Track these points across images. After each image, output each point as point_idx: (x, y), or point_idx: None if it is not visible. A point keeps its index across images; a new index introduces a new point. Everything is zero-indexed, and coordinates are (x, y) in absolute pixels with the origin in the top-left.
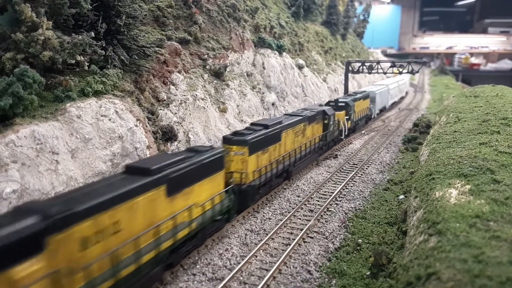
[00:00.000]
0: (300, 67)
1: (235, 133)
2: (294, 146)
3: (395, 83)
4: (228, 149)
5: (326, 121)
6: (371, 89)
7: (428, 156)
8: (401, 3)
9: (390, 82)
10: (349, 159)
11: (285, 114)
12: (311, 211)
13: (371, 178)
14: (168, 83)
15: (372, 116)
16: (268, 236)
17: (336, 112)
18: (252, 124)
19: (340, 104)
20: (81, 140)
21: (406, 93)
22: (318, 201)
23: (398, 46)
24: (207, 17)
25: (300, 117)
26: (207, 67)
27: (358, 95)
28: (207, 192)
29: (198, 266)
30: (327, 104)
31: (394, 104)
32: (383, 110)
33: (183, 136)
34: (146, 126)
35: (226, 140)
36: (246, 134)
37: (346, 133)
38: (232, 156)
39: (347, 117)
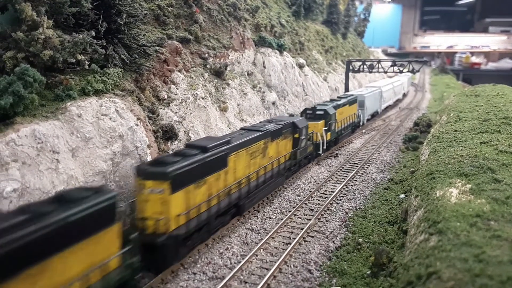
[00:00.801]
0: (300, 66)
1: (155, 162)
2: (249, 171)
3: (389, 84)
4: (141, 185)
5: (296, 135)
6: (360, 93)
7: (428, 155)
8: (402, 2)
9: (383, 83)
10: (350, 158)
11: (241, 129)
12: (312, 210)
13: (371, 177)
14: (169, 82)
15: (361, 123)
16: (268, 235)
17: (313, 122)
18: (187, 145)
19: (318, 112)
20: (82, 139)
21: (404, 94)
22: (318, 200)
23: (398, 45)
24: (208, 16)
25: (259, 133)
26: (208, 66)
27: (342, 100)
28: (78, 266)
29: (198, 265)
30: (303, 112)
31: (389, 107)
32: (375, 115)
33: (184, 135)
34: (147, 125)
35: (139, 171)
36: (169, 163)
37: (325, 147)
38: (147, 195)
39: (326, 127)
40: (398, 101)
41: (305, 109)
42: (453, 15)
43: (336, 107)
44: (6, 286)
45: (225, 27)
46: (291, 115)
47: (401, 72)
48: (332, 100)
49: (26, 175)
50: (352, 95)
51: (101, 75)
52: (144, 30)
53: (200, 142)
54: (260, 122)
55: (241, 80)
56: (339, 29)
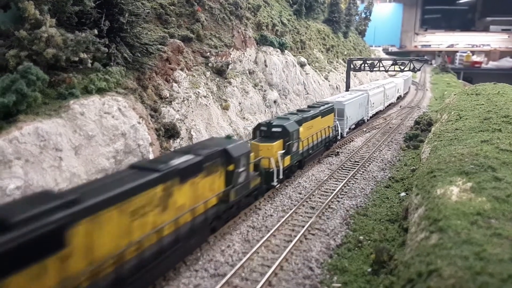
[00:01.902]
0: (302, 65)
1: None
2: (130, 241)
3: (379, 87)
4: None
5: (231, 167)
6: (339, 99)
7: (429, 153)
8: (403, 1)
9: (371, 86)
10: (351, 156)
11: (131, 167)
12: (313, 208)
13: (372, 175)
14: (171, 81)
15: (339, 137)
16: (270, 233)
17: (266, 144)
18: None
19: (274, 129)
20: (85, 137)
21: (400, 97)
22: (319, 198)
23: (399, 44)
24: (210, 14)
25: (154, 175)
26: (210, 64)
27: (313, 111)
28: None
29: (200, 262)
30: (256, 128)
31: (381, 112)
32: (360, 124)
33: (186, 133)
34: (149, 123)
35: None
36: None
37: (281, 177)
38: None
39: (284, 150)
40: (391, 105)
41: (259, 125)
42: (454, 14)
43: (301, 121)
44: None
45: (226, 26)
46: (228, 137)
47: (402, 71)
48: (299, 111)
49: (29, 172)
50: (328, 103)
51: (104, 73)
52: (146, 29)
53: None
54: (173, 151)
55: (242, 78)
56: (340, 28)
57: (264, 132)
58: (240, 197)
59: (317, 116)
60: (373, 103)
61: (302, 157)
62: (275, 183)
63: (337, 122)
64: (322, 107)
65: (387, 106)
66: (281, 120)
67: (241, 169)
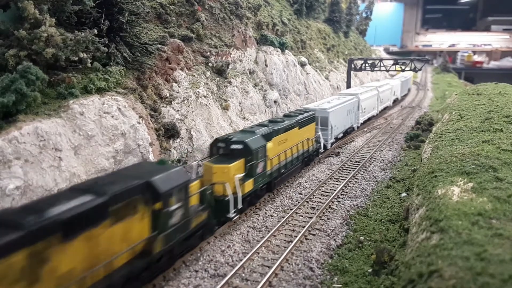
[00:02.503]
0: (302, 65)
1: None
2: None
3: (372, 90)
4: None
5: (157, 206)
6: (323, 106)
7: (430, 153)
8: (404, 1)
9: (362, 90)
10: (351, 156)
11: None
12: (313, 208)
13: (373, 175)
14: (171, 80)
15: (321, 150)
16: (270, 233)
17: (221, 165)
18: None
19: (233, 147)
20: (84, 137)
21: (397, 100)
22: (320, 198)
23: (400, 43)
24: (210, 14)
25: (13, 237)
26: (210, 64)
27: (286, 122)
28: None
29: (200, 263)
30: (213, 144)
31: (374, 118)
32: (349, 132)
33: (186, 133)
34: (149, 123)
35: None
36: None
37: (240, 206)
38: None
39: (244, 173)
40: (387, 108)
41: (216, 140)
42: (455, 14)
43: (270, 135)
44: None
45: (227, 26)
46: (162, 162)
47: (403, 70)
48: (271, 122)
49: (28, 172)
50: (308, 110)
51: (103, 73)
52: (146, 29)
53: None
54: (68, 189)
55: (243, 78)
56: (341, 28)
57: (222, 150)
58: (173, 243)
59: (292, 127)
60: (364, 109)
61: (271, 179)
62: (231, 214)
63: (320, 132)
64: (300, 116)
65: (382, 110)
66: (244, 135)
67: (174, 207)
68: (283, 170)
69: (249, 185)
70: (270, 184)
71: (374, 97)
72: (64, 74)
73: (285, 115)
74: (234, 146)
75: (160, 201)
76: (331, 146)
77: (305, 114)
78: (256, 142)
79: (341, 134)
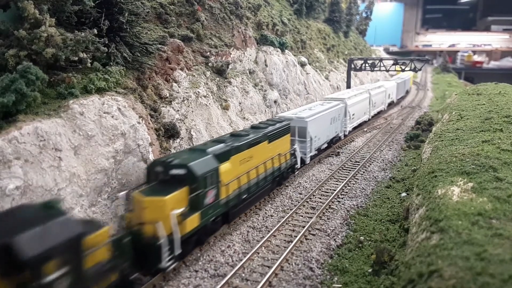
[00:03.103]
0: (302, 65)
1: None
2: None
3: (363, 94)
4: None
5: (26, 279)
6: (301, 114)
7: (430, 153)
8: (404, 1)
9: (351, 94)
10: (351, 156)
11: None
12: (313, 208)
13: (373, 175)
14: (171, 80)
15: (298, 165)
16: (270, 233)
17: (152, 197)
18: None
19: (173, 172)
20: (84, 137)
21: (392, 103)
22: (320, 198)
23: (400, 43)
24: (210, 14)
25: None
26: (210, 64)
27: (252, 136)
28: None
29: (200, 263)
30: (151, 167)
31: (365, 123)
32: (335, 142)
33: (186, 133)
34: (149, 123)
35: None
36: None
37: (178, 251)
38: None
39: (185, 208)
40: (381, 112)
41: (154, 163)
42: (455, 14)
43: (227, 154)
44: None
45: (227, 26)
46: (48, 206)
47: (403, 70)
48: (233, 136)
49: (28, 172)
50: (282, 120)
51: (103, 73)
52: (146, 28)
53: None
54: None
55: (243, 78)
56: (341, 28)
57: (161, 175)
58: None
59: (259, 141)
60: (352, 115)
61: (228, 208)
62: (165, 263)
63: (297, 145)
64: (270, 128)
65: (375, 115)
66: (189, 156)
67: (52, 276)
68: (245, 196)
69: (193, 221)
70: (226, 214)
71: (365, 101)
72: (64, 74)
73: (252, 127)
74: (174, 171)
75: (27, 272)
76: (310, 160)
77: (278, 125)
78: (203, 166)
79: (325, 145)
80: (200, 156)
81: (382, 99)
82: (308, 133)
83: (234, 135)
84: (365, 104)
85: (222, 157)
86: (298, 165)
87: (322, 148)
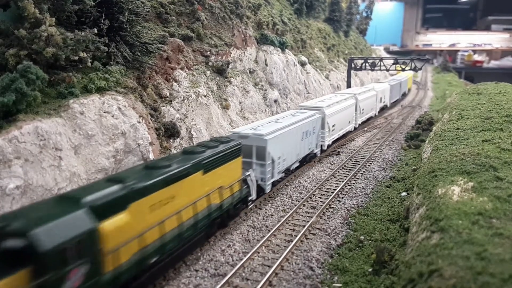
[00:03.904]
0: (302, 64)
1: None
2: None
3: (349, 99)
4: None
5: None
6: (259, 131)
7: (430, 153)
8: (404, 0)
9: (333, 101)
10: (352, 156)
11: None
12: (314, 207)
13: (373, 175)
14: (171, 80)
15: (253, 196)
16: (270, 233)
17: None
18: None
19: (6, 245)
20: (84, 136)
21: (386, 107)
22: (320, 198)
23: (400, 43)
24: (210, 13)
25: None
26: (210, 64)
27: (174, 168)
28: None
29: (200, 262)
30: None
31: (351, 132)
32: (309, 160)
33: (186, 132)
34: (149, 123)
35: None
36: None
37: None
38: None
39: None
40: (371, 119)
41: None
42: (456, 13)
43: (122, 201)
44: None
45: (227, 25)
46: None
47: (403, 70)
48: (147, 169)
49: (28, 172)
50: (229, 140)
51: (104, 72)
52: (146, 28)
53: None
54: None
55: (243, 78)
56: (341, 27)
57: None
58: None
59: (186, 174)
60: (332, 126)
61: (118, 285)
62: None
63: (254, 169)
64: (208, 153)
65: (364, 122)
66: (40, 214)
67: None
68: (156, 258)
69: None
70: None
71: (350, 109)
72: (64, 74)
73: (184, 151)
74: (7, 244)
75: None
76: (272, 188)
77: (221, 148)
78: (60, 231)
79: (296, 164)
80: (61, 212)
81: (372, 104)
82: (268, 154)
83: (150, 167)
84: (350, 111)
85: (109, 208)
86: (253, 196)
87: (292, 167)
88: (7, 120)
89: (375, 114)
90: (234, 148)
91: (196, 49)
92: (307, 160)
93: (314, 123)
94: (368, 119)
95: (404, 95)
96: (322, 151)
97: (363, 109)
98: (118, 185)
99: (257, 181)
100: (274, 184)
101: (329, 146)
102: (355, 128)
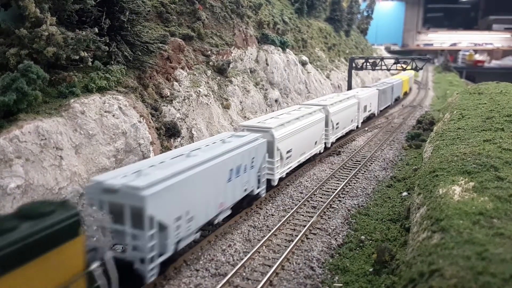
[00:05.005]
0: (303, 64)
1: None
2: None
3: (315, 114)
4: None
5: None
6: (135, 182)
7: (431, 153)
8: (405, 0)
9: (291, 117)
10: (352, 156)
11: None
12: (314, 207)
13: (374, 175)
14: (172, 79)
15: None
16: (271, 233)
17: None
18: None
19: None
20: (85, 136)
21: (373, 115)
22: (321, 197)
23: (401, 42)
24: (211, 13)
25: None
26: (211, 63)
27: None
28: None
29: (201, 262)
30: None
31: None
32: (249, 203)
33: (187, 132)
34: (150, 122)
35: None
36: None
37: None
38: None
39: None
40: (352, 131)
41: None
42: (457, 13)
43: None
44: None
45: (228, 24)
46: None
47: (404, 69)
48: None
49: (29, 171)
50: (53, 210)
51: (104, 72)
52: (147, 27)
53: None
54: None
55: (243, 77)
56: (342, 27)
57: None
58: None
59: None
60: (287, 152)
61: None
62: None
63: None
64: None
65: (341, 138)
66: None
67: None
68: None
69: None
70: None
71: (317, 126)
72: (65, 73)
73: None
74: None
75: None
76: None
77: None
78: None
79: (226, 213)
80: None
81: (352, 116)
82: (150, 220)
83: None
84: (317, 129)
85: None
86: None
87: (216, 222)
88: (8, 119)
89: (357, 126)
90: (60, 227)
91: (197, 48)
92: (244, 205)
93: (254, 152)
94: (348, 133)
95: (398, 99)
96: (271, 186)
97: (337, 124)
98: None
99: (132, 264)
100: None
101: (280, 180)
102: (326, 148)
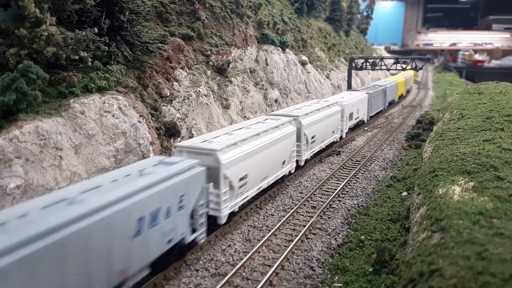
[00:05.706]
0: (303, 64)
1: None
2: None
3: (283, 127)
4: None
5: None
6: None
7: (431, 153)
8: (405, 0)
9: (252, 132)
10: (352, 156)
11: None
12: (314, 207)
13: (374, 175)
14: (171, 79)
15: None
16: (270, 233)
17: None
18: None
19: None
20: (85, 136)
21: (362, 123)
22: (321, 197)
23: (401, 42)
24: (210, 13)
25: None
26: (210, 63)
27: None
28: None
29: (201, 262)
30: None
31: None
32: (175, 258)
33: (186, 132)
34: (150, 122)
35: None
36: None
37: None
38: None
39: None
40: (334, 143)
41: None
42: (456, 13)
43: None
44: None
45: (227, 24)
46: None
47: (404, 69)
48: None
49: (29, 171)
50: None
51: (104, 72)
52: (146, 27)
53: None
54: None
55: (243, 77)
56: (342, 27)
57: None
58: None
59: None
60: (243, 178)
61: None
62: None
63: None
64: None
65: (318, 152)
66: None
67: None
68: None
69: None
70: None
71: (286, 141)
72: (64, 73)
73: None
74: None
75: None
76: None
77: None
78: None
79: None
80: None
81: (333, 125)
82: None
83: None
84: (286, 145)
85: None
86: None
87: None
88: (8, 119)
89: (340, 137)
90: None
91: (197, 48)
92: (171, 259)
93: (184, 186)
94: (330, 144)
95: (393, 102)
96: (218, 225)
97: (313, 137)
98: None
99: None
100: None
101: (226, 217)
102: (299, 167)
